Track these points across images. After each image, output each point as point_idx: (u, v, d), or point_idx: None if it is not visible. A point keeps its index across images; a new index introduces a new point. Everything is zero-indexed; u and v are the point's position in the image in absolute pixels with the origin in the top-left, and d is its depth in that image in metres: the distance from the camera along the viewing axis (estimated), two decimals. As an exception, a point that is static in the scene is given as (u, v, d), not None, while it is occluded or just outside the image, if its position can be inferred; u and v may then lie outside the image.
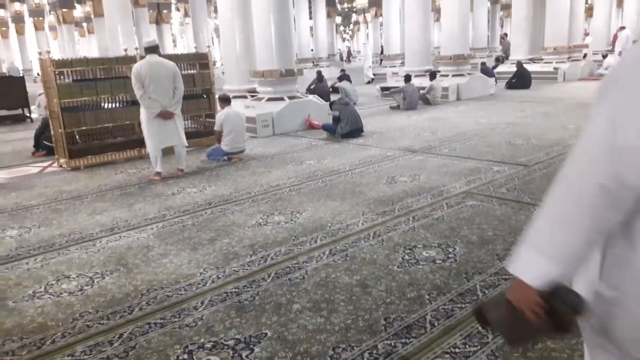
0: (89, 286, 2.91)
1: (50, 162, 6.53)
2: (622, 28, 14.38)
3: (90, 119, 6.23)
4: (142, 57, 6.02)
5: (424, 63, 12.19)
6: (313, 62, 20.16)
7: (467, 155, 5.75)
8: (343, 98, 8.23)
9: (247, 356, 2.13)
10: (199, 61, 7.27)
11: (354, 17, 51.36)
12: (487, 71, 12.70)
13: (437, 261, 2.98)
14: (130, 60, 6.36)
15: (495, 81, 12.56)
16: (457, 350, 2.09)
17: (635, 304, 0.95)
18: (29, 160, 6.84)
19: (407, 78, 10.52)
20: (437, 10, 24.92)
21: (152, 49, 5.24)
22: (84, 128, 6.23)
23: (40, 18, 28.34)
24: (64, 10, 25.43)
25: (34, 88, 12.56)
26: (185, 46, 28.03)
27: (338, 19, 48.08)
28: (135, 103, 5.83)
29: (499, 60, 16.33)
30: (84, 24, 28.25)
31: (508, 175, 4.84)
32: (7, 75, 11.93)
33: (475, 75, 11.76)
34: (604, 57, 15.16)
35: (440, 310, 2.42)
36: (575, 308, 0.98)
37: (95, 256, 3.37)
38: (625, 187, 0.87)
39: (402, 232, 3.49)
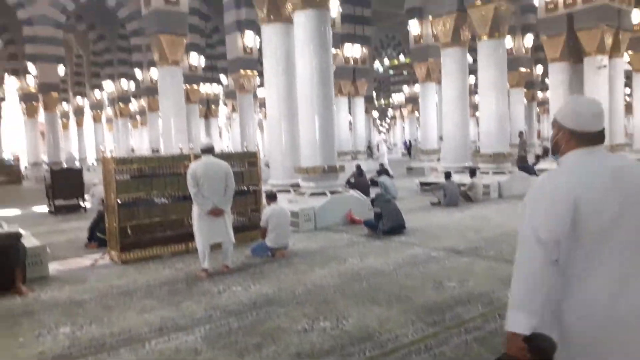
0: (139, 393, 2.89)
1: (102, 254, 6.77)
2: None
3: (144, 214, 6.52)
4: (196, 156, 6.42)
5: (462, 159, 12.35)
6: (352, 156, 20.76)
7: (515, 259, 5.61)
8: (384, 194, 8.36)
9: None
10: (248, 159, 7.63)
11: (391, 112, 53.26)
12: (528, 169, 12.71)
13: (495, 382, 2.84)
14: (184, 158, 6.76)
15: (537, 178, 12.50)
16: None
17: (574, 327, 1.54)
18: (82, 251, 7.11)
19: (447, 175, 10.63)
20: (473, 106, 25.64)
21: (208, 150, 5.58)
22: (136, 222, 6.50)
23: (99, 111, 30.74)
24: (122, 104, 27.58)
25: (88, 177, 13.31)
26: (231, 138, 29.48)
27: (375, 113, 49.90)
28: (186, 198, 6.10)
29: (539, 157, 16.35)
30: (138, 117, 30.38)
31: (560, 283, 4.67)
32: (66, 167, 12.68)
33: (516, 173, 11.78)
34: (647, 155, 14.96)
35: None
36: (547, 352, 1.49)
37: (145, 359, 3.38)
38: (547, 245, 1.50)
39: (455, 346, 3.37)
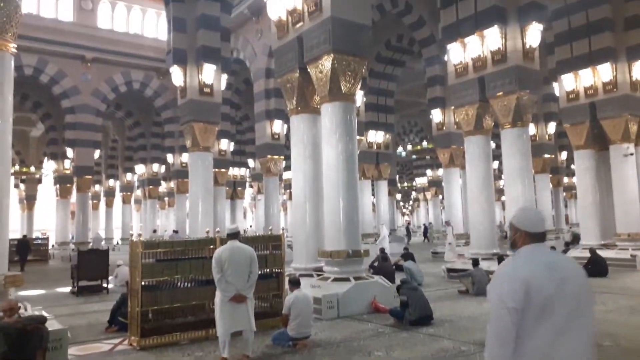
0: None
1: (122, 339, 6.65)
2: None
3: (167, 298, 6.46)
4: (222, 240, 6.46)
5: (490, 246, 12.06)
6: (375, 239, 20.57)
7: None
8: (410, 280, 8.13)
9: None
10: (273, 242, 7.62)
11: (414, 194, 53.35)
12: (558, 256, 12.28)
13: None
14: (210, 242, 6.81)
15: (568, 266, 12.05)
16: None
17: None
18: (102, 335, 7.00)
19: (475, 262, 10.37)
20: (497, 190, 25.52)
21: (234, 235, 5.62)
22: (158, 307, 6.42)
23: (129, 193, 31.70)
24: (151, 187, 28.45)
25: (113, 257, 13.43)
26: (255, 218, 29.82)
27: (398, 196, 50.04)
28: (209, 282, 6.05)
29: (569, 244, 15.89)
30: (166, 198, 31.14)
31: (604, 385, 4.34)
32: (92, 247, 12.86)
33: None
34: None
35: None
36: None
37: None
38: (512, 311, 2.01)
39: None
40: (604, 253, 12.98)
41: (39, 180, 31.31)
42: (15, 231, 25.64)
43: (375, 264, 12.02)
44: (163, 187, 30.11)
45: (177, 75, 13.51)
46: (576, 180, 15.47)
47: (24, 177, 32.65)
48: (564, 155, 26.52)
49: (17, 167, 29.98)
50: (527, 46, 11.48)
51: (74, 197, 22.83)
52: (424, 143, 29.27)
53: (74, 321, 7.76)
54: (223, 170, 20.62)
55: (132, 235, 7.41)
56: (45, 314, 5.67)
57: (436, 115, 18.98)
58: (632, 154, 13.87)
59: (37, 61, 20.37)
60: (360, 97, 17.84)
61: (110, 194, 32.87)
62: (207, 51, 13.54)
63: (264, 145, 18.99)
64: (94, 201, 31.93)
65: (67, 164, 23.18)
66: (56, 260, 22.06)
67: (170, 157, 24.07)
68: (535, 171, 20.24)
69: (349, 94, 9.06)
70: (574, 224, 31.74)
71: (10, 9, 7.03)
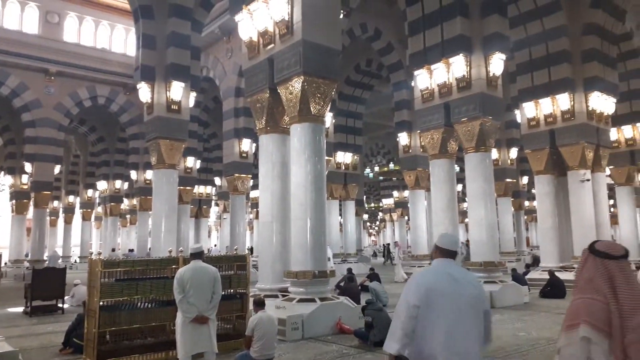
0: None
1: (75, 362, 6.38)
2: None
3: (126, 319, 6.25)
4: (185, 260, 6.32)
5: (454, 267, 12.23)
6: (342, 258, 20.59)
7: (512, 378, 5.37)
8: (375, 301, 8.14)
9: None
10: (238, 263, 7.52)
11: (380, 215, 53.83)
12: (519, 279, 12.60)
13: None
14: (172, 261, 6.66)
15: (528, 289, 12.36)
16: None
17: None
18: (56, 358, 6.69)
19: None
20: (461, 213, 26.06)
21: (198, 255, 5.50)
22: (116, 328, 6.21)
23: (89, 210, 30.75)
24: (113, 204, 27.71)
25: (70, 275, 12.93)
26: (220, 237, 29.37)
27: (365, 216, 50.36)
28: (170, 303, 5.89)
29: (529, 266, 16.29)
30: (128, 216, 30.33)
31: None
32: (48, 266, 12.36)
33: (508, 284, 11.66)
34: (638, 268, 14.98)
35: None
36: None
37: None
38: (411, 306, 2.65)
39: None
40: (562, 275, 13.36)
41: (-6, 195, 30.04)
42: (-34, 248, 24.37)
43: (342, 284, 12.00)
44: (125, 204, 29.37)
45: (144, 92, 13.35)
46: (536, 204, 15.96)
47: (-24, 192, 31.26)
48: (525, 179, 27.40)
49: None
50: (491, 74, 11.91)
51: (30, 213, 21.97)
52: (391, 165, 29.73)
53: (26, 343, 7.41)
54: (188, 188, 20.31)
55: (91, 253, 7.17)
56: (-6, 335, 5.39)
57: (403, 138, 19.35)
58: (588, 180, 14.44)
59: (-2, 73, 19.76)
60: (329, 119, 18.02)
61: (69, 210, 31.80)
62: (176, 69, 13.46)
63: (232, 163, 18.87)
64: (52, 217, 30.82)
65: (25, 178, 22.36)
66: (9, 278, 21.05)
67: (134, 174, 23.58)
68: (498, 195, 20.85)
69: (319, 115, 9.14)
70: (534, 246, 32.64)
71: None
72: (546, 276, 12.99)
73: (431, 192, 13.24)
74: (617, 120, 17.26)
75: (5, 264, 22.94)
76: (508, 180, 22.61)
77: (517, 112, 16.92)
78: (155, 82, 13.37)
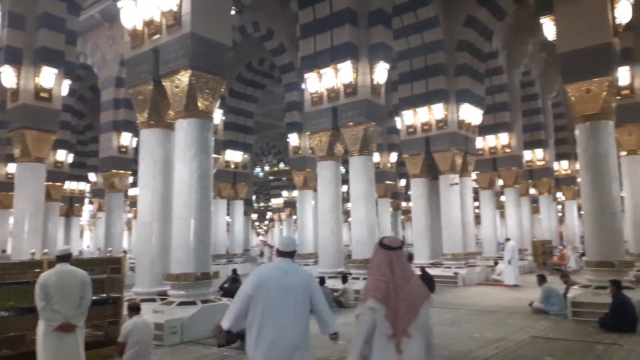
0: None
1: None
2: (508, 239, 16.40)
3: (-25, 330, 5.55)
4: (50, 263, 5.78)
5: (336, 265, 12.71)
6: (227, 259, 20.28)
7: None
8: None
9: None
10: (112, 265, 7.05)
11: (269, 214, 53.98)
12: (395, 275, 13.40)
13: None
14: (35, 265, 6.05)
15: (404, 284, 13.21)
16: None
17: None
18: None
19: (322, 281, 10.80)
20: (345, 212, 27.12)
21: (65, 258, 5.07)
22: (-37, 340, 5.48)
23: None
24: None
25: None
26: (94, 237, 27.28)
27: (254, 216, 50.17)
28: (32, 310, 5.34)
29: (405, 263, 17.38)
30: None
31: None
32: None
33: (385, 279, 12.37)
34: (495, 263, 16.82)
35: None
36: (232, 339, 4.10)
37: None
38: (248, 294, 3.39)
39: None
40: (432, 271, 14.53)
41: None
42: None
43: (226, 285, 11.83)
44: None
45: (8, 76, 11.91)
46: (412, 205, 17.15)
47: None
48: (403, 182, 29.34)
49: None
50: (375, 82, 12.56)
51: None
52: (281, 165, 29.93)
53: None
54: (58, 183, 18.61)
55: None
56: None
57: (293, 139, 19.61)
58: (457, 184, 15.86)
59: None
60: (219, 116, 17.65)
61: None
62: (48, 53, 12.22)
63: (109, 158, 17.63)
64: None
65: None
66: None
67: (-7, 166, 20.94)
68: (378, 195, 22.08)
69: (207, 112, 8.91)
70: (409, 244, 35.03)
71: None
72: (419, 272, 13.99)
73: (318, 192, 13.59)
74: (483, 130, 19.19)
75: None
76: (388, 182, 24.07)
77: (397, 119, 18.02)
78: (23, 66, 12.00)
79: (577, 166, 13.52)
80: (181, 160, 8.68)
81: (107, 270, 6.93)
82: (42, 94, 12.06)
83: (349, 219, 13.92)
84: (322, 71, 12.78)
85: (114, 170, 17.47)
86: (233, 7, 10.45)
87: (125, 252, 9.85)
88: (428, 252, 16.15)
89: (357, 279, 11.93)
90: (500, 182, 21.04)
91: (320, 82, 12.91)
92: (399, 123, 17.53)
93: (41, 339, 4.81)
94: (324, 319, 3.59)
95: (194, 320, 7.80)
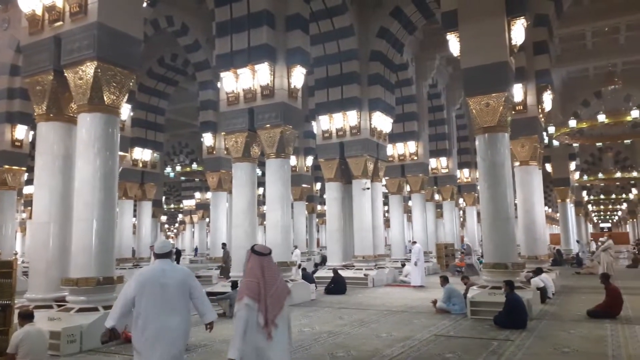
0: None
1: None
2: (414, 242, 17.23)
3: None
4: None
5: (249, 269, 12.54)
6: (133, 263, 19.28)
7: (295, 371, 5.74)
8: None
9: None
10: (1, 269, 6.40)
11: (180, 216, 52.14)
12: (308, 277, 13.58)
13: None
14: None
15: (316, 286, 13.40)
16: None
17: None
18: None
19: (234, 285, 10.62)
20: (260, 215, 26.96)
21: (-58, 262, 4.53)
22: None
23: None
24: None
25: None
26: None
27: (163, 218, 48.20)
28: None
29: (318, 265, 17.69)
30: None
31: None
32: None
33: (298, 282, 12.47)
34: (403, 265, 17.61)
35: None
36: (116, 335, 3.96)
37: None
38: (130, 294, 3.88)
39: None
40: (344, 273, 14.88)
41: None
42: None
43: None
44: None
45: None
46: (326, 208, 17.45)
47: None
48: (318, 185, 29.77)
49: None
50: (292, 86, 12.63)
51: None
52: (194, 165, 29.00)
53: None
54: None
55: None
56: None
57: (207, 138, 19.14)
58: (369, 188, 16.41)
59: None
60: (126, 111, 16.76)
61: None
62: None
63: (1, 152, 15.97)
64: None
65: None
66: None
67: None
68: (294, 198, 22.23)
69: (113, 106, 8.42)
70: (323, 247, 35.60)
71: None
72: (332, 274, 14.27)
73: (233, 194, 13.36)
74: (393, 138, 20.04)
75: None
76: (304, 185, 24.30)
77: (314, 123, 18.27)
78: None
79: (477, 174, 14.56)
80: (84, 158, 8.14)
81: (-6, 276, 6.30)
82: None
83: (264, 222, 13.84)
84: (239, 71, 12.62)
85: (7, 166, 15.89)
86: (146, -1, 10.00)
87: (16, 254, 8.97)
88: (340, 255, 16.52)
89: (270, 281, 11.86)
90: (408, 187, 22.09)
91: (237, 82, 12.73)
92: (315, 127, 17.77)
93: None
94: (201, 310, 4.14)
95: (95, 327, 7.28)
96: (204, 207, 32.74)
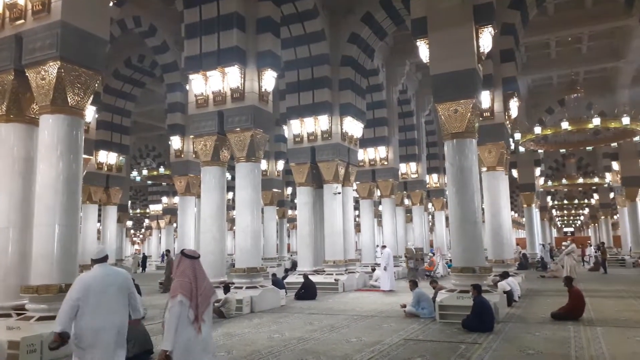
0: None
1: None
2: (384, 247, 17.33)
3: None
4: None
5: (218, 274, 12.33)
6: (98, 269, 18.69)
7: (265, 379, 5.65)
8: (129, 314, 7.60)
9: None
10: (-47, 278, 6.09)
11: (147, 221, 51.07)
12: (278, 283, 13.47)
13: None
14: None
15: (286, 292, 13.31)
16: None
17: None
18: None
19: (226, 288, 10.44)
20: (229, 220, 26.64)
21: None
22: None
23: None
24: None
25: None
26: None
27: (129, 223, 47.14)
28: None
29: (288, 270, 17.58)
30: None
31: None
32: None
33: (268, 288, 12.33)
34: (373, 270, 17.68)
35: None
36: (66, 338, 4.07)
37: None
38: (74, 300, 4.12)
39: None
40: (315, 278, 14.82)
41: None
42: None
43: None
44: None
45: None
46: (297, 212, 17.38)
47: None
48: (289, 190, 29.65)
49: None
50: (263, 89, 12.55)
51: None
52: (161, 169, 28.42)
53: None
54: None
55: None
56: None
57: (175, 142, 18.79)
58: (340, 193, 16.43)
59: None
60: (91, 113, 16.32)
61: None
62: None
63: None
64: None
65: None
66: None
67: None
68: (265, 203, 22.07)
69: (77, 108, 8.15)
70: (294, 252, 35.45)
71: None
72: (302, 279, 14.20)
73: (201, 198, 13.14)
74: (363, 143, 20.16)
75: None
76: (275, 190, 24.15)
77: (285, 127, 18.20)
78: None
79: (446, 179, 14.77)
80: (46, 160, 7.86)
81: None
82: None
83: (234, 227, 13.65)
84: (208, 73, 12.46)
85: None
86: (112, -1, 9.77)
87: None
88: (311, 260, 16.45)
89: (240, 288, 11.71)
90: (378, 192, 22.25)
91: (206, 84, 12.56)
92: (286, 131, 17.70)
93: None
94: (134, 309, 4.49)
95: (56, 337, 7.02)
96: (171, 212, 32.20)
